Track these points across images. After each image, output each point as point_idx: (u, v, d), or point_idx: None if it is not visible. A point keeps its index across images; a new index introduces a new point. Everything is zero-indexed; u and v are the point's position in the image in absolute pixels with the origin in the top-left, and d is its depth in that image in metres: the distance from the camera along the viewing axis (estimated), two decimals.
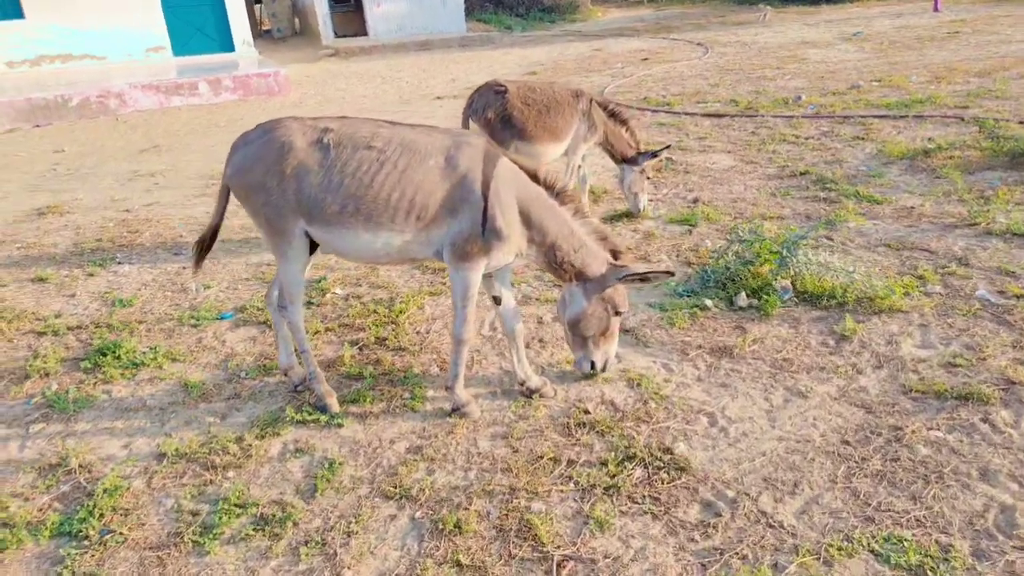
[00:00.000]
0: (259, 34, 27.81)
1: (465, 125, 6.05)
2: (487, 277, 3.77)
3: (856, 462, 3.27)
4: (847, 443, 3.40)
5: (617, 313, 3.73)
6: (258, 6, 29.47)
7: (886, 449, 3.34)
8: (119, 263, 6.06)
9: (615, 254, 3.68)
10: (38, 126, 12.98)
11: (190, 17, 19.21)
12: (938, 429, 3.45)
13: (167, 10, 18.80)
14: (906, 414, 3.57)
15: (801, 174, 7.36)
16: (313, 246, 3.69)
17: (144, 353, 4.48)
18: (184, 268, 5.90)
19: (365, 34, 23.54)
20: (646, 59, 16.23)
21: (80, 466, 3.48)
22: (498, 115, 5.80)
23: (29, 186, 8.85)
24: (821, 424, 3.55)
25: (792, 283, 4.88)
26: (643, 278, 3.60)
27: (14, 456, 3.62)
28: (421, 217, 3.44)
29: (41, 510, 3.21)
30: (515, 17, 27.69)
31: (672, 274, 3.64)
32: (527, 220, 3.52)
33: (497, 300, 3.83)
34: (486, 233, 3.43)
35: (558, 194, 3.60)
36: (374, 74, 16.96)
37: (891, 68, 12.56)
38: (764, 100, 10.83)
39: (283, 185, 3.44)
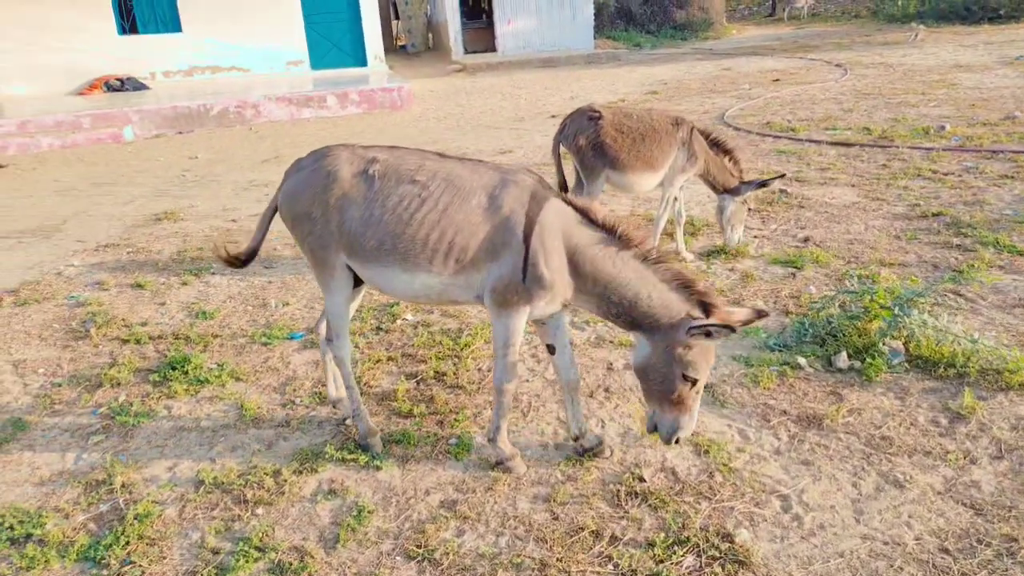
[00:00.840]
0: (395, 49, 28.85)
1: (555, 151, 5.80)
2: (540, 324, 3.50)
3: None
4: (946, 552, 2.86)
5: (686, 378, 3.07)
6: (396, 22, 30.57)
7: (994, 565, 2.78)
8: (212, 273, 6.23)
9: (705, 307, 3.08)
10: (181, 133, 13.89)
11: (329, 33, 20.12)
12: None
13: (308, 26, 19.80)
14: None
15: (934, 215, 6.59)
16: (359, 279, 3.55)
17: (211, 370, 4.51)
18: (270, 282, 5.98)
19: (494, 50, 23.84)
20: (777, 80, 15.40)
21: (123, 485, 3.48)
22: (590, 142, 5.52)
23: (157, 191, 9.39)
24: (917, 524, 3.01)
25: (905, 345, 4.29)
26: (720, 330, 3.00)
27: (68, 467, 3.68)
28: (460, 260, 3.21)
29: (75, 529, 3.21)
30: (646, 34, 27.24)
31: (765, 314, 3.20)
32: (576, 268, 3.18)
33: (551, 349, 3.53)
34: (527, 280, 3.16)
35: (620, 237, 3.18)
36: (496, 90, 17.05)
37: None
38: (902, 129, 9.91)
39: (327, 216, 3.32)
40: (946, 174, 7.82)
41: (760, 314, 3.17)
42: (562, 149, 5.74)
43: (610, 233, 3.18)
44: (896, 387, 4.00)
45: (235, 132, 13.71)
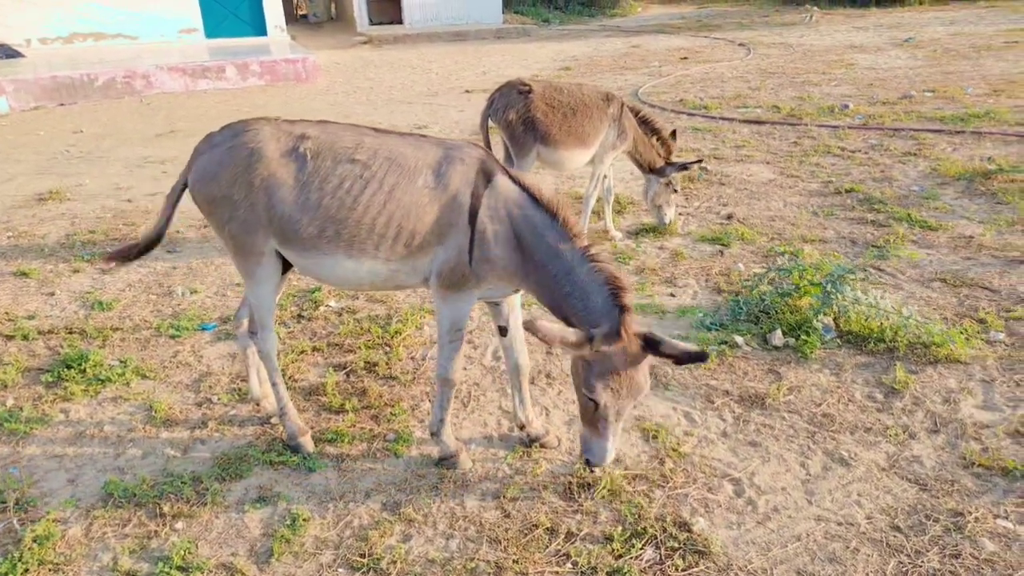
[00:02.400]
0: (295, 19, 27.63)
1: (483, 126, 5.58)
2: (494, 304, 3.30)
3: (909, 556, 2.74)
4: (898, 529, 2.87)
5: (592, 400, 2.73)
6: None
7: (945, 540, 2.81)
8: None
9: (621, 315, 2.74)
10: (62, 105, 12.78)
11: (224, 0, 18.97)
12: (1006, 518, 2.91)
13: None
14: (968, 495, 3.04)
15: (847, 191, 6.76)
16: (287, 265, 3.25)
17: (112, 367, 4.08)
18: (175, 268, 5.51)
19: (400, 22, 23.15)
20: (685, 58, 15.59)
21: (16, 503, 3.08)
22: (520, 117, 5.31)
23: (38, 168, 8.57)
24: (867, 502, 3.02)
25: (835, 320, 4.34)
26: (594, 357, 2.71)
27: None
28: (408, 244, 2.96)
29: None
30: (554, 10, 27.12)
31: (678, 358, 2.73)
32: (523, 250, 2.95)
33: (503, 331, 3.34)
34: (473, 263, 2.95)
35: (562, 225, 2.93)
36: (405, 64, 16.53)
37: (945, 78, 11.80)
38: (808, 107, 10.19)
39: (251, 198, 2.99)
40: (854, 151, 8.06)
41: (678, 358, 2.72)
42: (490, 124, 5.51)
43: (552, 218, 2.94)
44: (831, 363, 4.04)
45: (124, 104, 12.73)
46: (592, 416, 2.79)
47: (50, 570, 2.73)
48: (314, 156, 2.96)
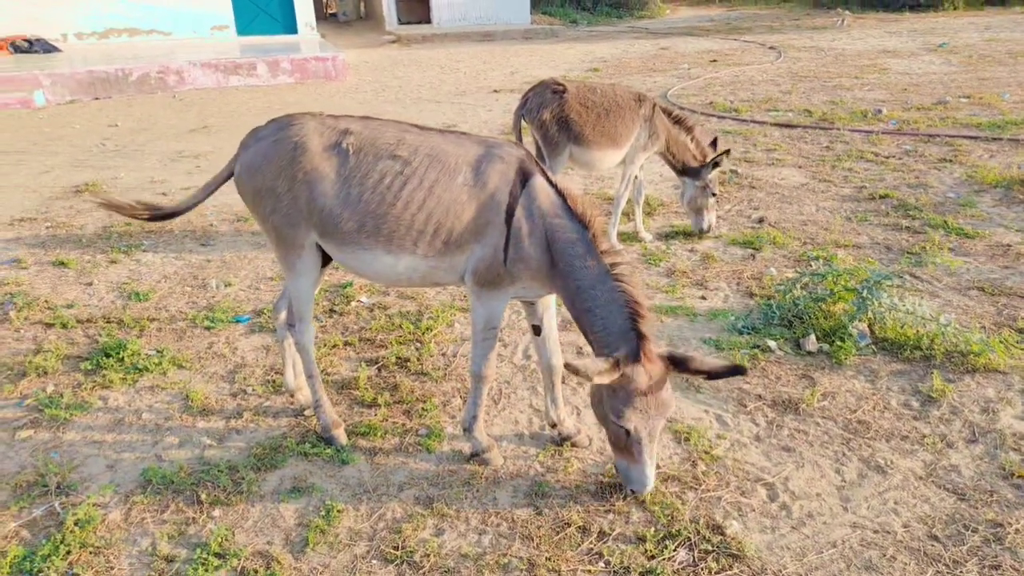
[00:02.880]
0: (324, 17, 27.85)
1: (516, 125, 5.58)
2: (529, 304, 3.31)
3: (947, 565, 2.71)
4: (936, 539, 2.84)
5: (621, 427, 2.75)
6: None
7: (984, 551, 2.77)
8: (144, 251, 5.79)
9: (640, 342, 2.74)
10: (97, 99, 12.99)
11: None
12: None
13: None
14: (1007, 506, 2.99)
15: (881, 197, 6.69)
16: (327, 259, 3.28)
17: (149, 356, 4.15)
18: (208, 261, 5.58)
19: (429, 22, 23.25)
20: (714, 61, 15.50)
21: (58, 487, 3.14)
22: (554, 116, 5.32)
23: (75, 161, 8.71)
24: (904, 511, 2.99)
25: (870, 327, 4.29)
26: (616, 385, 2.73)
27: None
28: (447, 241, 2.98)
29: (6, 538, 2.87)
30: (582, 11, 27.08)
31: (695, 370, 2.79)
32: (552, 255, 2.94)
33: (536, 330, 3.34)
34: (508, 262, 2.97)
35: (593, 237, 2.92)
36: (433, 63, 16.60)
37: (980, 84, 11.63)
38: (840, 111, 10.08)
39: (294, 191, 3.03)
40: (887, 157, 7.97)
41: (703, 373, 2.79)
42: (523, 123, 5.52)
43: (584, 228, 2.93)
44: (865, 370, 4.00)
45: (157, 99, 12.91)
46: (625, 443, 2.82)
47: (91, 553, 2.78)
48: (356, 151, 2.99)
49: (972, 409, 3.62)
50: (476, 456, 3.28)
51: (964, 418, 3.55)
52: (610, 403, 2.77)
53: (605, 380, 2.69)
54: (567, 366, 2.63)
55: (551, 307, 3.34)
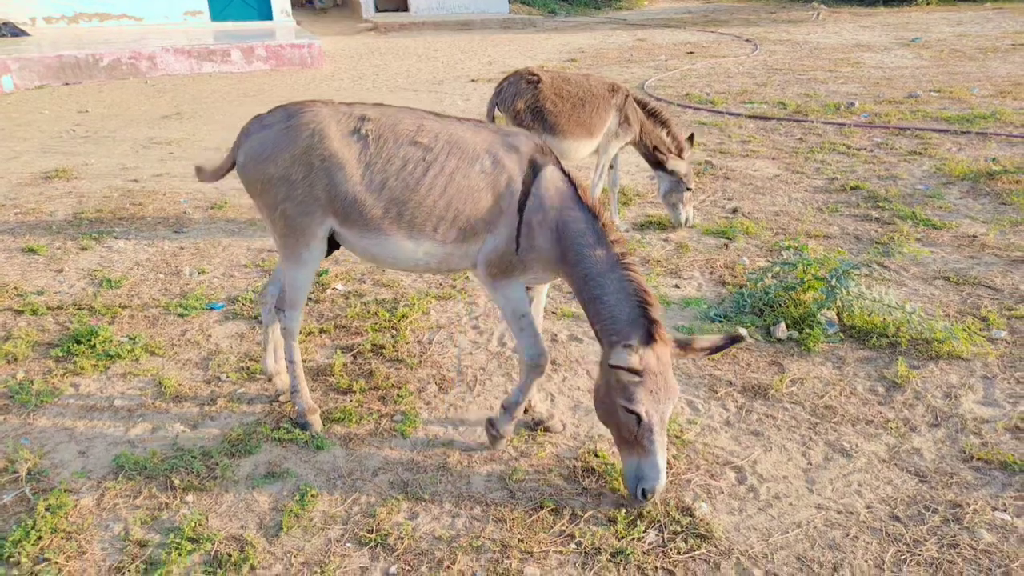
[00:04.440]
0: (300, 4, 27.47)
1: (490, 115, 5.59)
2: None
3: (907, 544, 2.79)
4: (897, 519, 2.92)
5: (628, 411, 2.73)
6: None
7: (943, 531, 2.85)
8: (116, 238, 5.72)
9: (650, 333, 2.78)
10: (67, 84, 12.77)
11: None
12: (1004, 510, 2.95)
13: None
14: (967, 487, 3.08)
15: (851, 188, 6.79)
16: (329, 250, 3.27)
17: (121, 343, 4.12)
18: (182, 248, 5.54)
19: (406, 9, 23.11)
20: (691, 53, 15.59)
21: (29, 473, 3.12)
22: (528, 106, 5.33)
23: (44, 147, 8.58)
24: (867, 492, 3.07)
25: (838, 315, 4.38)
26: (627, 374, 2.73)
27: None
28: (464, 228, 3.04)
29: None
30: (560, 1, 27.04)
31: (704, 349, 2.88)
32: (562, 244, 2.99)
33: None
34: (520, 251, 3.02)
35: (603, 227, 2.97)
36: (410, 51, 16.52)
37: (951, 79, 11.82)
38: (814, 104, 10.20)
39: (311, 179, 3.02)
40: (859, 149, 8.09)
41: (712, 348, 2.87)
42: (497, 112, 5.53)
43: (595, 218, 2.99)
44: (833, 357, 4.08)
45: (129, 85, 12.72)
46: (636, 434, 2.75)
47: (63, 538, 2.77)
48: (376, 138, 3.02)
49: (935, 394, 3.72)
50: (493, 433, 3.25)
51: (927, 403, 3.65)
52: (621, 389, 2.74)
53: (633, 367, 2.68)
54: (613, 367, 2.66)
55: (543, 293, 3.41)
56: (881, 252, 5.36)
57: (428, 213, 3.01)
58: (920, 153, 7.81)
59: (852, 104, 10.06)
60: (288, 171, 3.05)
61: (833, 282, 4.36)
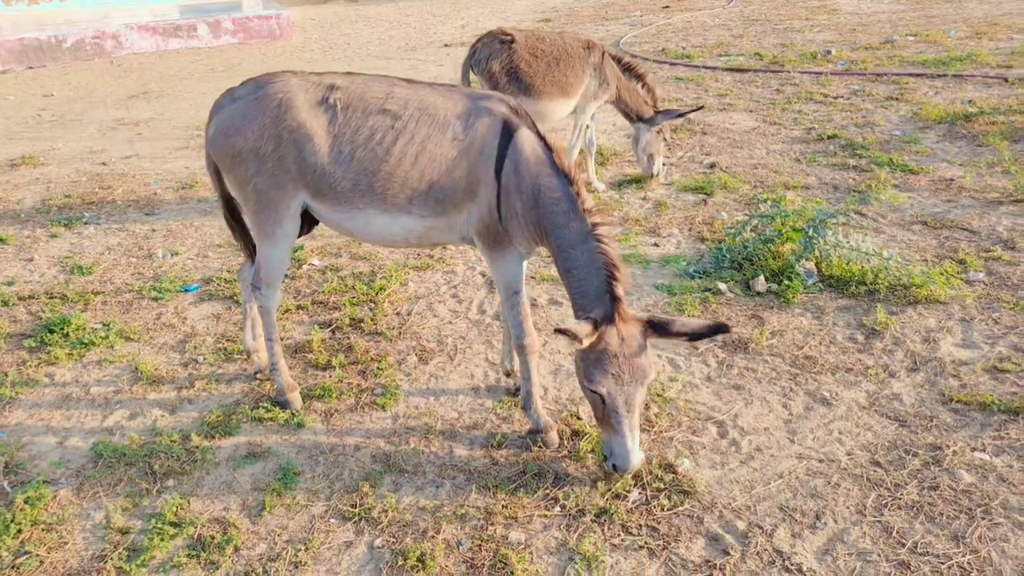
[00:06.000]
0: None
1: (465, 77, 5.49)
2: None
3: (888, 489, 2.81)
4: (877, 464, 2.94)
5: (594, 391, 2.66)
6: None
7: (923, 474, 2.88)
8: (85, 223, 5.62)
9: (614, 303, 2.69)
10: (31, 68, 12.47)
11: None
12: (983, 450, 2.98)
13: None
14: (946, 430, 3.11)
15: (829, 138, 6.75)
16: (303, 227, 3.20)
17: (96, 330, 4.06)
18: (153, 231, 5.45)
19: None
20: (667, 7, 15.37)
21: (6, 466, 3.09)
22: (504, 67, 5.23)
23: (9, 134, 8.39)
24: (848, 439, 3.09)
25: (817, 265, 4.37)
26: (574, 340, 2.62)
27: None
28: (440, 199, 2.92)
29: None
30: None
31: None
32: (539, 211, 2.86)
33: None
34: (503, 219, 2.91)
35: (577, 195, 2.84)
36: (382, 18, 16.22)
37: (928, 22, 11.72)
38: (791, 54, 10.10)
39: (280, 151, 2.94)
40: (836, 97, 8.03)
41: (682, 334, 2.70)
42: (472, 75, 5.43)
43: (569, 184, 2.86)
44: (812, 307, 4.08)
45: (94, 66, 12.44)
46: (603, 413, 2.71)
47: (43, 530, 2.75)
48: (344, 107, 2.92)
49: (914, 339, 3.73)
50: (533, 434, 3.14)
51: (906, 348, 3.66)
52: (583, 367, 2.68)
53: (587, 340, 2.62)
54: (557, 331, 2.55)
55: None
56: (859, 200, 5.35)
57: (401, 184, 2.90)
58: (897, 99, 7.76)
59: (828, 52, 9.97)
60: (257, 144, 2.97)
61: (811, 232, 4.34)
